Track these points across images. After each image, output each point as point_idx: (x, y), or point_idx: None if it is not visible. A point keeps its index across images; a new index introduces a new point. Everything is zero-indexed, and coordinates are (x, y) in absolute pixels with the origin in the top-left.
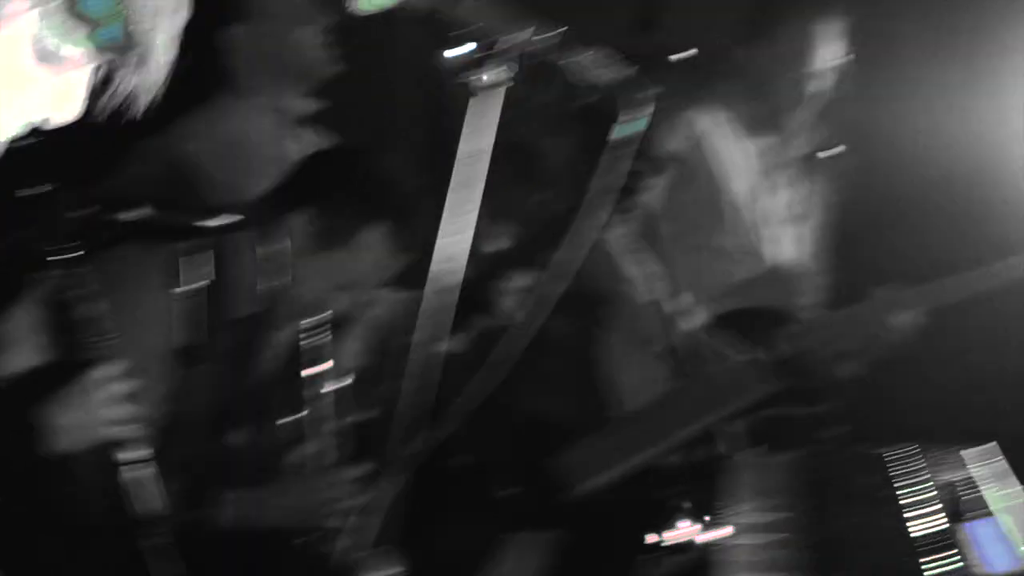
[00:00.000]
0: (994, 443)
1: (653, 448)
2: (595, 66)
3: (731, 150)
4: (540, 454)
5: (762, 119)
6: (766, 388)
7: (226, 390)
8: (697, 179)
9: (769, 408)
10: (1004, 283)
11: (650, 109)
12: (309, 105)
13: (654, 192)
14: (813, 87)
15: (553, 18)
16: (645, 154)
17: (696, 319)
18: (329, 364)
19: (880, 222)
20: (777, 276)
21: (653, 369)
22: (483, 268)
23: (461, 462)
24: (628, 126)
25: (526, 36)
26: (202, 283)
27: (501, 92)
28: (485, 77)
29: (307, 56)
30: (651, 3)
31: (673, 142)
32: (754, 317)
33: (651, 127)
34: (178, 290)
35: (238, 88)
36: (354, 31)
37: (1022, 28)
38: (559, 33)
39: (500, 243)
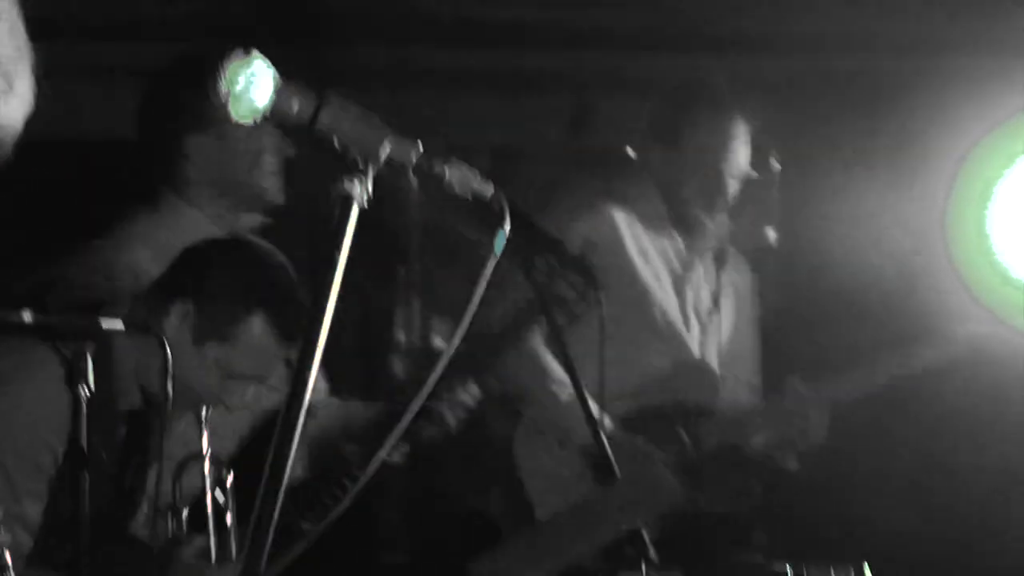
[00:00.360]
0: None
1: (573, 551)
2: (459, 180)
3: (646, 248)
4: (470, 553)
5: (677, 218)
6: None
7: (108, 489)
8: (612, 278)
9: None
10: (909, 373)
11: (507, 224)
12: (254, 220)
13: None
14: (729, 188)
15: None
16: (562, 256)
17: (617, 416)
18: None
19: (800, 316)
20: (696, 371)
21: (575, 467)
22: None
23: (393, 559)
24: (499, 239)
25: (386, 149)
26: (85, 382)
27: (355, 205)
28: (343, 187)
29: (260, 183)
30: (584, 107)
31: (588, 241)
32: (674, 412)
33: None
34: (61, 390)
35: (187, 196)
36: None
37: (942, 131)
38: (418, 146)
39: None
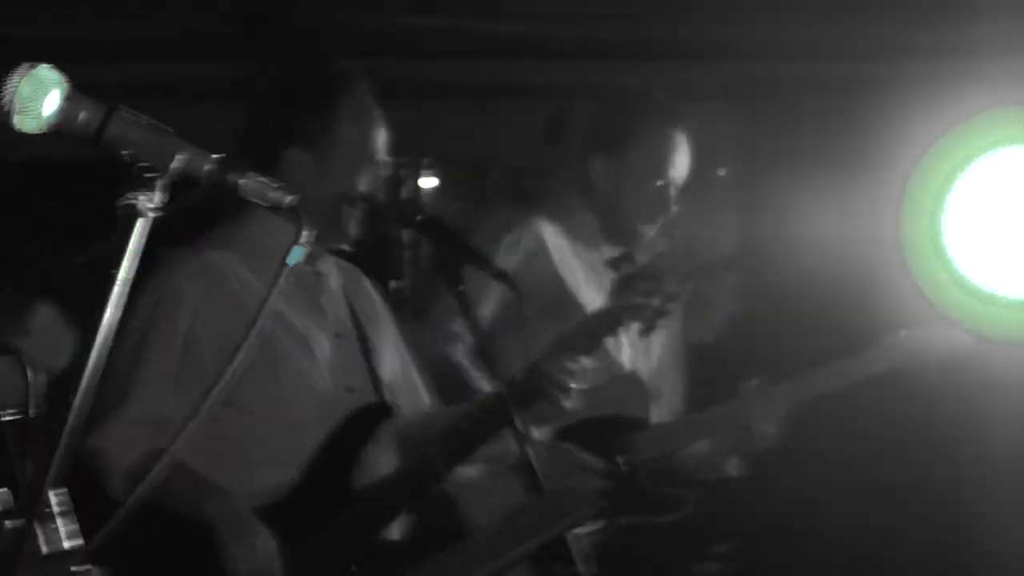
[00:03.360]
0: None
1: (497, 565)
2: (254, 191)
3: (573, 263)
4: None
5: (613, 230)
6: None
7: None
8: (540, 290)
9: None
10: (862, 377)
11: (303, 238)
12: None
13: (501, 303)
14: (672, 198)
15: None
16: (486, 270)
17: (549, 429)
18: None
19: (756, 322)
20: (626, 384)
21: (507, 483)
22: None
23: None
24: (294, 253)
25: (176, 161)
26: None
27: (140, 218)
28: (128, 199)
29: (346, 222)
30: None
31: (518, 254)
32: (605, 426)
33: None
34: None
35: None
36: None
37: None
38: (214, 159)
39: None
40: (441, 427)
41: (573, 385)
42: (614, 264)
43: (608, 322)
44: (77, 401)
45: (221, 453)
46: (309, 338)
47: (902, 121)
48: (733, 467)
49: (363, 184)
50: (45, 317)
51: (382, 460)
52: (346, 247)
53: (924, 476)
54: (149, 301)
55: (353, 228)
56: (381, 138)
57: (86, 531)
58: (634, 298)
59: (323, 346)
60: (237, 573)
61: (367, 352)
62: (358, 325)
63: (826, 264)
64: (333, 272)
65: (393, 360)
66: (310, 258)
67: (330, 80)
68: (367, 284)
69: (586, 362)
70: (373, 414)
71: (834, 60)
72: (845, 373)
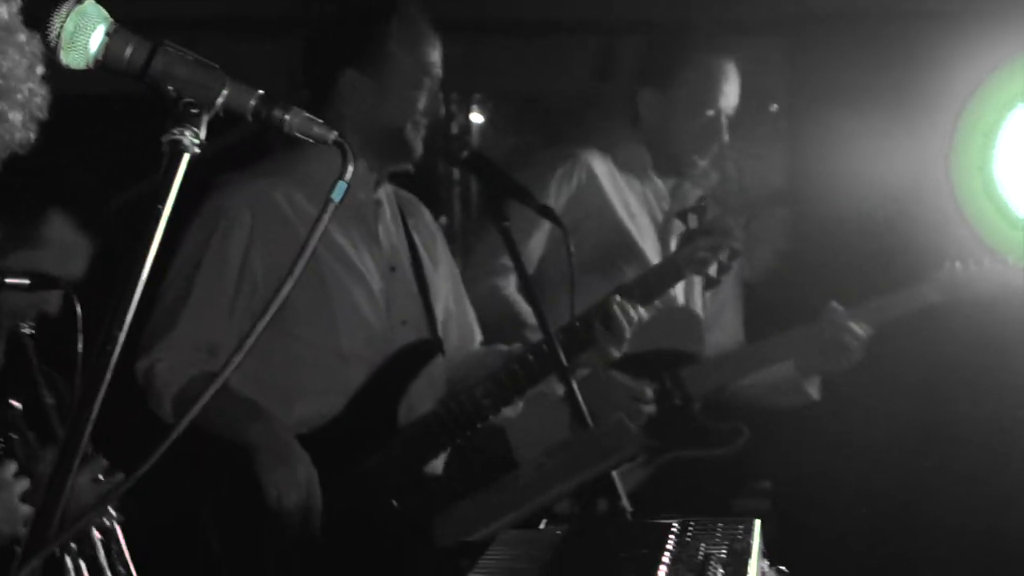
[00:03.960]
0: None
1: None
2: (299, 126)
3: (627, 195)
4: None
5: (666, 162)
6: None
7: None
8: (593, 224)
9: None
10: (922, 305)
11: (348, 174)
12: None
13: (547, 238)
14: (718, 126)
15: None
16: (532, 200)
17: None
18: None
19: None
20: (680, 317)
21: (554, 418)
22: None
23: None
24: (340, 187)
25: (221, 96)
26: None
27: (185, 153)
28: (173, 135)
29: (408, 137)
30: (608, 52)
31: (570, 186)
32: (658, 359)
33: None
34: None
35: None
36: None
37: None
38: (259, 95)
39: None
40: (492, 366)
41: (628, 336)
42: (682, 216)
43: (670, 274)
44: (121, 336)
45: (269, 378)
46: (363, 269)
47: (954, 55)
48: (815, 389)
49: (422, 102)
50: (59, 227)
51: (429, 396)
52: (410, 168)
53: (958, 414)
54: (203, 226)
55: (419, 146)
56: (435, 57)
57: (132, 456)
58: (699, 253)
59: (376, 278)
60: (275, 498)
61: (422, 286)
62: (416, 258)
63: (876, 200)
64: (392, 201)
65: (448, 296)
66: (372, 185)
67: (379, 2)
68: (427, 216)
69: (643, 312)
70: (424, 349)
71: None
72: (909, 300)
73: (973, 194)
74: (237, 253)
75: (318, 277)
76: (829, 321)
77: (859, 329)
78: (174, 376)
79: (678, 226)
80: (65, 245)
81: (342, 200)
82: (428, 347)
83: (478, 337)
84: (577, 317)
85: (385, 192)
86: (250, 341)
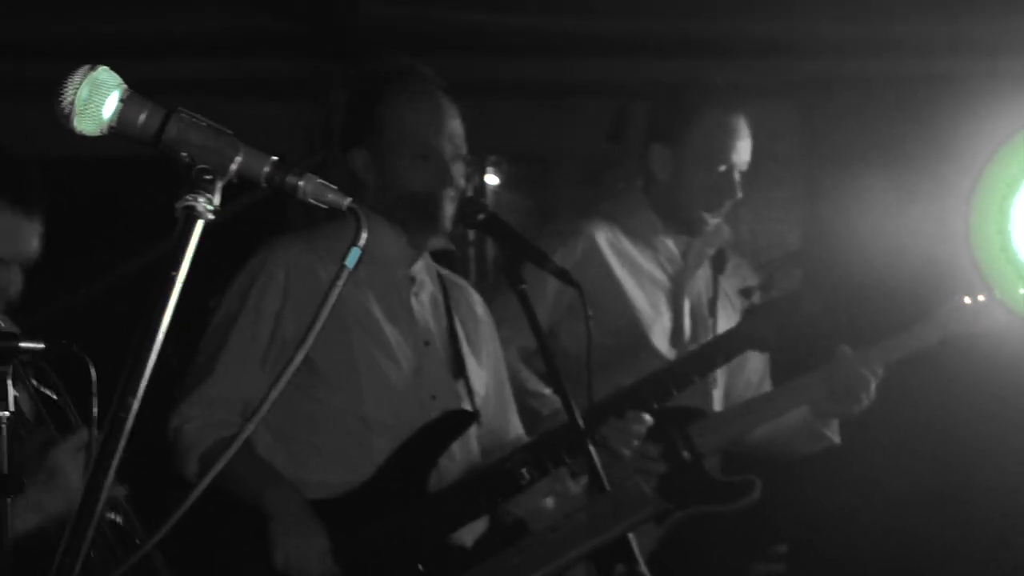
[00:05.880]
0: None
1: (555, 564)
2: (313, 192)
3: (636, 262)
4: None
5: (676, 221)
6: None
7: None
8: (599, 295)
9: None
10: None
11: (362, 240)
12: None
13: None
14: (731, 182)
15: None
16: (549, 263)
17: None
18: None
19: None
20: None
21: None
22: None
23: None
24: (353, 254)
25: (235, 162)
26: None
27: (198, 220)
28: (187, 201)
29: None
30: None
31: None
32: (664, 417)
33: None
34: None
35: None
36: None
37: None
38: (273, 161)
39: None
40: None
41: (636, 443)
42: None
43: (678, 380)
44: (135, 404)
45: (293, 436)
46: (393, 341)
47: (968, 117)
48: (835, 433)
49: (433, 178)
50: (2, 211)
51: (462, 464)
52: (448, 246)
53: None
54: (242, 284)
55: (447, 222)
56: (443, 129)
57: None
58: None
59: (407, 350)
60: (282, 565)
61: (458, 366)
62: (453, 338)
63: (891, 260)
64: (435, 279)
65: (488, 384)
66: (409, 260)
67: (378, 77)
68: (475, 301)
69: (649, 420)
70: (460, 419)
71: (904, 56)
72: (917, 337)
73: (991, 256)
74: (271, 310)
75: (346, 344)
76: (838, 365)
77: (868, 372)
78: (201, 436)
79: (693, 286)
80: (12, 227)
81: (357, 266)
82: (464, 417)
83: (515, 431)
84: (586, 413)
85: (425, 271)
86: (265, 407)
